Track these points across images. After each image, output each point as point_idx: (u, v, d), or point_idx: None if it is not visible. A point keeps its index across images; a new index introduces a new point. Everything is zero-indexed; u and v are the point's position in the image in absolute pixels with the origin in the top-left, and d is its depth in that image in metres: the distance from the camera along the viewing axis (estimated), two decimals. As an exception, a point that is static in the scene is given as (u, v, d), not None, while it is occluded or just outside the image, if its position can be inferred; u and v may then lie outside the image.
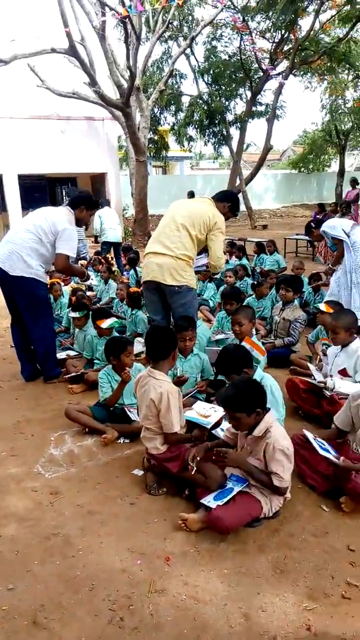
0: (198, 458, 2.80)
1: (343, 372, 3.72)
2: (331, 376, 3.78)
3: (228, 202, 4.29)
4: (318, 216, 13.28)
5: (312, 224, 5.53)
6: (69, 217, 4.51)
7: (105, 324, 4.53)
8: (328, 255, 6.54)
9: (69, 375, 4.62)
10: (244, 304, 5.23)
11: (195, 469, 2.77)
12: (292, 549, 2.46)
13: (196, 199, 4.32)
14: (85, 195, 4.78)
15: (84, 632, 2.03)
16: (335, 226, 5.02)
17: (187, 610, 2.12)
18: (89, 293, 6.99)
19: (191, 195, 13.61)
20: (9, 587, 2.27)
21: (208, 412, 3.23)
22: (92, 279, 5.01)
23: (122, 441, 3.59)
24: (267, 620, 2.06)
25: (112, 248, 10.09)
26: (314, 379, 3.80)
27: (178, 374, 3.87)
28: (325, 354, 4.26)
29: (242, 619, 2.07)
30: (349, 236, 4.89)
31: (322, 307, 4.47)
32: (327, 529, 2.59)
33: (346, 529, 2.59)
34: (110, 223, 9.89)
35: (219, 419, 3.16)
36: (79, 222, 4.61)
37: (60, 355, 4.99)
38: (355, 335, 3.79)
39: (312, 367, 4.04)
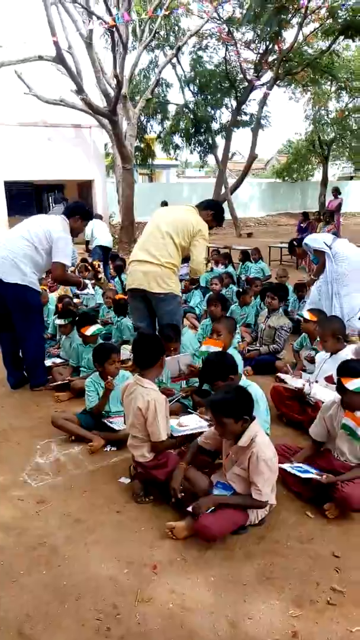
0: (181, 487, 2.79)
1: (329, 379, 3.76)
2: (316, 381, 3.83)
3: (211, 210, 4.35)
4: (302, 225, 13.44)
5: (294, 242, 5.63)
6: (64, 225, 4.51)
7: (89, 331, 4.52)
8: (312, 264, 6.63)
9: (55, 384, 4.60)
10: (228, 313, 5.26)
11: (181, 495, 2.77)
12: (277, 555, 2.48)
13: (180, 207, 4.37)
14: (81, 205, 4.80)
15: (71, 642, 2.02)
16: (316, 239, 5.16)
17: (174, 618, 2.12)
18: (75, 300, 6.97)
19: (164, 205, 13.75)
20: (-6, 597, 2.26)
21: (188, 423, 3.27)
22: (88, 288, 5.00)
23: (108, 449, 3.58)
24: (253, 627, 2.07)
25: (102, 253, 10.09)
26: (296, 388, 3.84)
27: (164, 380, 3.88)
28: (311, 361, 4.31)
29: (228, 627, 2.08)
30: (330, 248, 5.01)
31: (306, 315, 4.53)
32: (312, 536, 2.62)
33: (331, 535, 2.62)
34: (101, 229, 9.99)
35: (196, 431, 3.18)
36: (72, 232, 4.60)
37: (47, 362, 4.97)
38: (344, 343, 3.85)
39: (286, 377, 4.06)
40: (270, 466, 2.58)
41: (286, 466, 2.92)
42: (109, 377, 3.68)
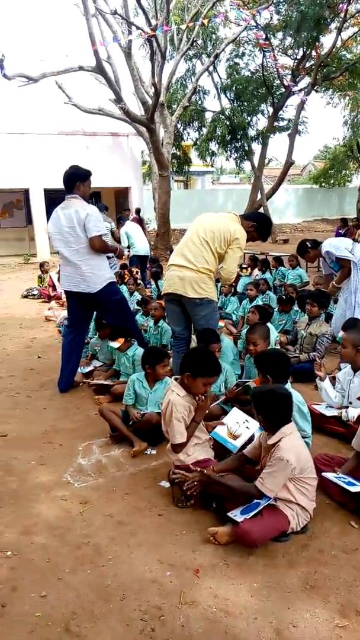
0: (177, 477, 2.87)
1: None
2: (349, 403, 3.74)
3: (253, 221, 4.28)
4: (340, 231, 13.27)
5: (307, 243, 5.31)
6: (80, 202, 4.52)
7: (114, 344, 4.64)
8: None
9: (95, 382, 4.71)
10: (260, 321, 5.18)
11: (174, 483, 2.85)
12: (321, 564, 2.46)
13: (222, 214, 4.36)
14: (71, 173, 4.57)
15: (116, 641, 2.05)
16: (339, 247, 4.92)
17: (218, 622, 2.13)
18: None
19: (137, 212, 13.80)
20: (41, 594, 2.31)
21: (239, 431, 3.22)
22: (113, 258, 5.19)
23: (149, 452, 3.62)
24: (298, 636, 2.06)
25: (140, 261, 10.17)
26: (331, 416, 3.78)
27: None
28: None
29: (273, 634, 2.07)
30: (353, 254, 4.85)
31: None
32: (356, 546, 2.58)
33: (376, 546, 2.57)
34: (138, 237, 9.91)
35: (249, 438, 3.17)
36: (84, 199, 4.57)
37: (88, 368, 5.07)
38: None
39: (320, 407, 3.92)
40: (283, 466, 2.54)
41: (331, 476, 2.89)
42: (135, 412, 3.77)
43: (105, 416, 3.80)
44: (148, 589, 2.32)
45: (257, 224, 4.28)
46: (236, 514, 2.64)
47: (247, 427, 3.23)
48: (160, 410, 3.67)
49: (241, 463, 2.97)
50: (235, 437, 3.20)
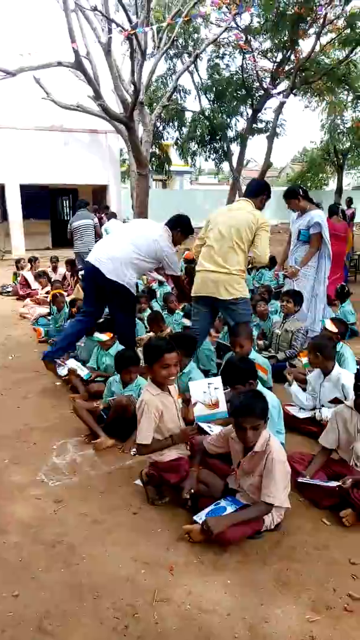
0: (192, 491, 2.82)
1: (336, 401, 3.73)
2: (322, 406, 3.80)
3: (262, 194, 4.49)
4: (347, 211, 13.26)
5: (300, 190, 5.76)
6: (169, 240, 4.66)
7: (103, 336, 4.58)
8: None
9: (63, 366, 4.69)
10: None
11: (189, 493, 2.80)
12: (294, 561, 2.49)
13: (235, 206, 4.53)
14: (184, 220, 4.80)
15: (89, 639, 2.04)
16: (325, 226, 5.59)
17: (192, 619, 2.14)
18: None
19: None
20: (13, 593, 2.29)
21: (213, 397, 3.24)
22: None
23: (133, 452, 3.55)
24: (270, 631, 2.08)
25: None
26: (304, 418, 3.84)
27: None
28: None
29: (246, 630, 2.09)
30: None
31: (329, 326, 4.37)
32: (328, 542, 2.62)
33: (347, 542, 2.62)
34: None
35: (226, 395, 3.25)
36: (174, 243, 4.72)
37: (64, 370, 4.98)
38: (332, 362, 3.76)
39: (293, 409, 3.97)
40: (284, 470, 2.60)
41: (304, 479, 2.93)
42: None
43: (77, 412, 3.80)
44: (122, 587, 2.32)
45: (266, 194, 4.49)
46: (201, 517, 2.64)
47: (215, 388, 3.27)
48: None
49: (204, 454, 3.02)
50: (215, 405, 3.23)
